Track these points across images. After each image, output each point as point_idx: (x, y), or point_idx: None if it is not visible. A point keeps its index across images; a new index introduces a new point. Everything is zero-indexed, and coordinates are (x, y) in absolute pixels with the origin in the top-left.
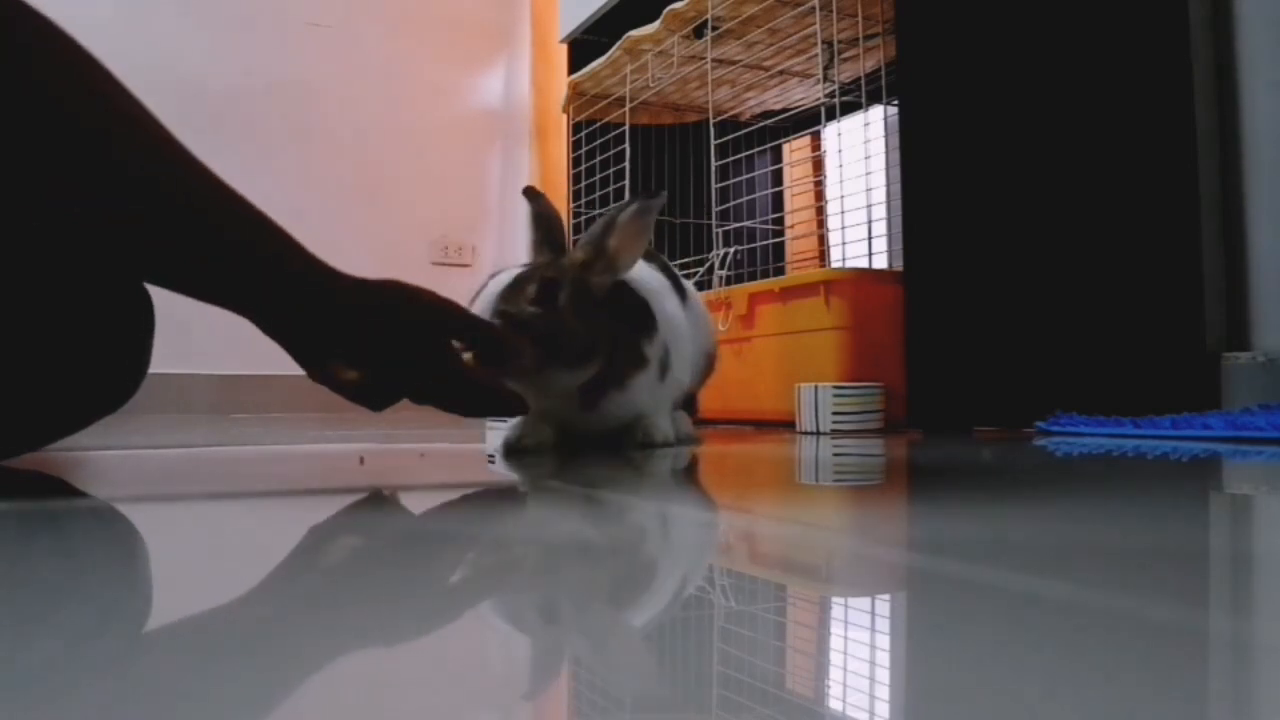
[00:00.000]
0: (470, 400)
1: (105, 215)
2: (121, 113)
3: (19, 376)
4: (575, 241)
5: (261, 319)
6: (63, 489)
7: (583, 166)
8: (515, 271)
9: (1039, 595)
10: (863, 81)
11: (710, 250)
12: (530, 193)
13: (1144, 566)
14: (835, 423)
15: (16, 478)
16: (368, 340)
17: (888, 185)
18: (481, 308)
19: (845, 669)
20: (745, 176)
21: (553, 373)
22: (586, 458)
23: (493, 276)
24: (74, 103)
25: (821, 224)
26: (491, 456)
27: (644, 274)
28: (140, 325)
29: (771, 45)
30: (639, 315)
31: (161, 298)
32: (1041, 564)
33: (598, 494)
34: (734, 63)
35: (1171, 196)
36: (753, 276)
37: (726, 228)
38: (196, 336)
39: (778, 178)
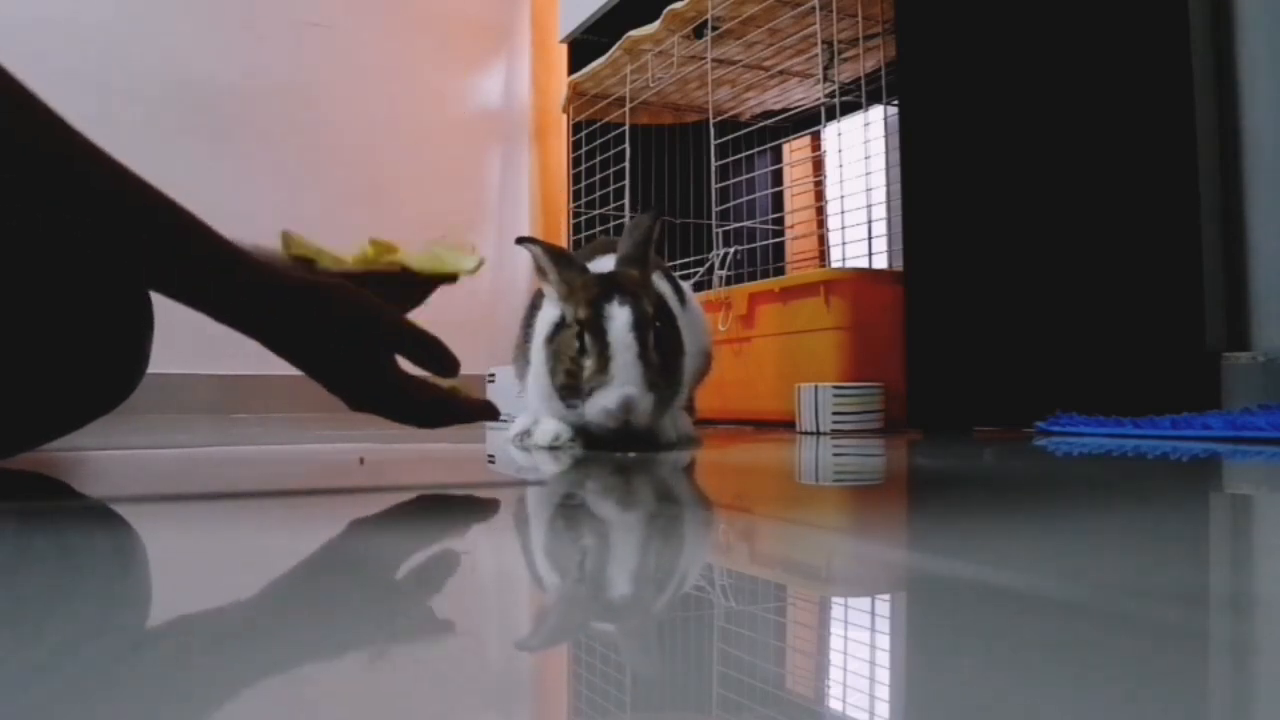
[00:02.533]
0: (421, 412)
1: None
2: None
3: (17, 376)
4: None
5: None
6: (62, 489)
7: (583, 166)
8: (630, 307)
9: (1039, 596)
10: (863, 81)
11: (710, 250)
12: (522, 240)
13: (1144, 567)
14: (835, 423)
15: (16, 478)
16: (295, 336)
17: (888, 185)
18: (624, 358)
19: (845, 669)
20: (745, 176)
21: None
22: (589, 458)
23: (610, 301)
24: None
25: (821, 224)
26: (492, 457)
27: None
28: (138, 324)
29: (771, 45)
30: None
31: (161, 297)
32: (1042, 565)
33: (599, 493)
34: (734, 63)
35: (1172, 196)
36: (753, 276)
37: (726, 228)
38: (196, 336)
39: (778, 178)
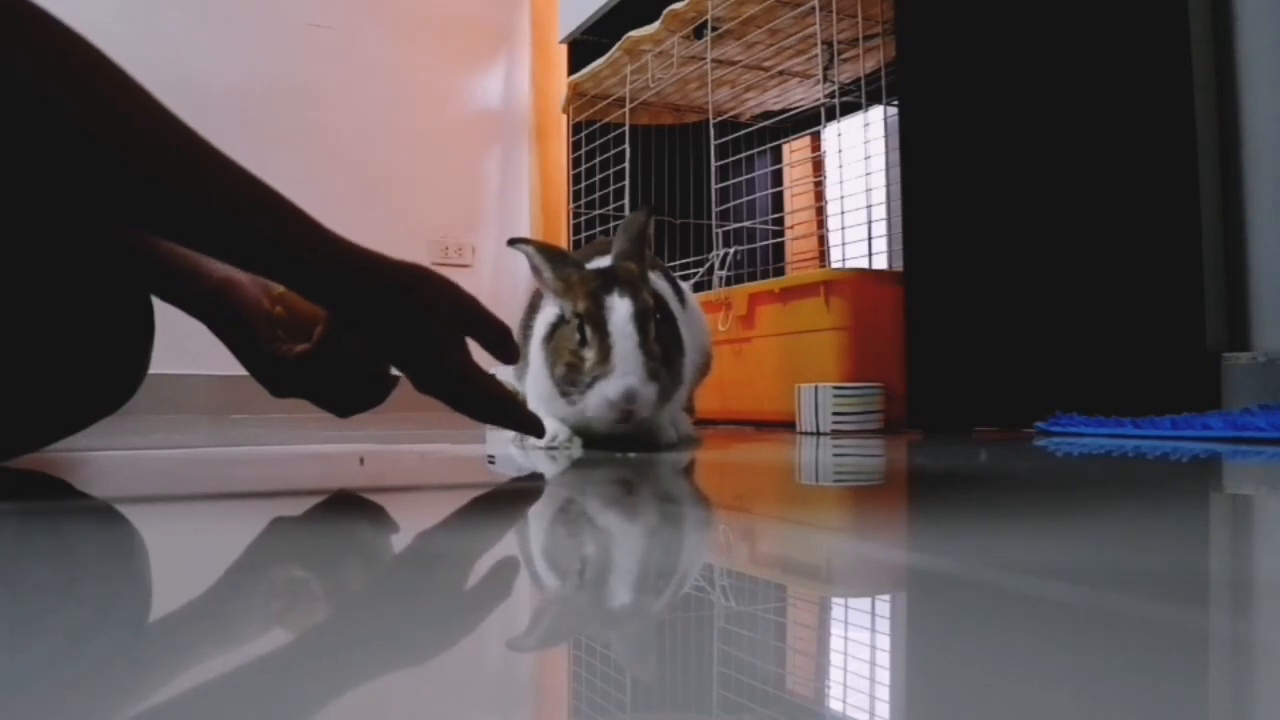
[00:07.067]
0: (482, 406)
1: (119, 210)
2: (123, 100)
3: (20, 378)
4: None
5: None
6: (63, 489)
7: (583, 167)
8: (630, 298)
9: (1039, 595)
10: (862, 82)
11: (710, 250)
12: (514, 242)
13: (1143, 567)
14: (835, 423)
15: (17, 478)
16: (384, 319)
17: (888, 186)
18: (625, 348)
19: (845, 669)
20: (745, 177)
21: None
22: (589, 458)
23: (609, 293)
24: (71, 91)
25: (821, 224)
26: (492, 458)
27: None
28: (140, 326)
29: (771, 46)
30: None
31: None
32: (1041, 564)
33: (599, 494)
34: (734, 63)
35: (1172, 197)
36: (753, 277)
37: (726, 228)
38: (196, 337)
39: (778, 178)
